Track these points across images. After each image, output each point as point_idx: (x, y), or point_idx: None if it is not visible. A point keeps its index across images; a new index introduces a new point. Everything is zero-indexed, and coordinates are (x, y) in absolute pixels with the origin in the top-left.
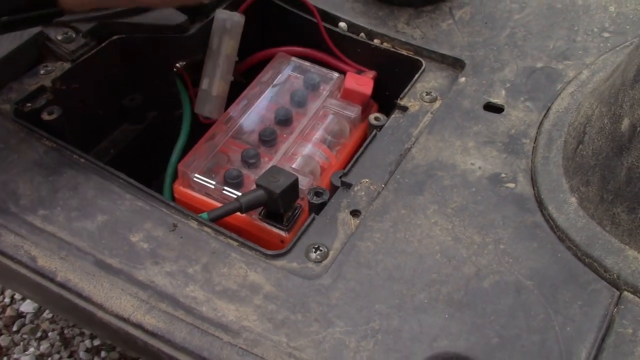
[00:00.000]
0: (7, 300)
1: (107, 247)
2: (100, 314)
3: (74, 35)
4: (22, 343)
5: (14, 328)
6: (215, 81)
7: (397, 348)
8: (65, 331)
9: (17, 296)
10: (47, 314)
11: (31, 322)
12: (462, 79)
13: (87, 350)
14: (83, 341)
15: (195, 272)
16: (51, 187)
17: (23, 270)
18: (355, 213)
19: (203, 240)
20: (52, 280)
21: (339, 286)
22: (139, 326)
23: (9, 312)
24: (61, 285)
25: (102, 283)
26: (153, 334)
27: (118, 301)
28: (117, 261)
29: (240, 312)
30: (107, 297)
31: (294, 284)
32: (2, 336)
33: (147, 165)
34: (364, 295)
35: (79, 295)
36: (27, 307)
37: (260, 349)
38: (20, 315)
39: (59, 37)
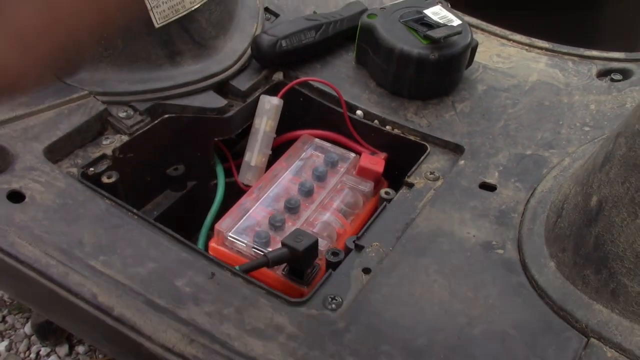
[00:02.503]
0: (32, 355)
1: (156, 289)
2: (147, 344)
3: (132, 113)
4: None
5: None
6: (255, 154)
7: None
8: None
9: (43, 352)
10: None
11: None
12: (462, 162)
13: None
14: None
15: (229, 313)
16: (110, 238)
17: (85, 306)
18: (366, 270)
19: (236, 287)
20: (109, 314)
21: (352, 329)
22: (181, 356)
23: None
24: (116, 319)
25: (150, 318)
26: None
27: (164, 334)
28: (164, 301)
29: (267, 347)
30: (154, 330)
31: (312, 326)
32: None
33: (183, 226)
34: (372, 337)
35: (131, 328)
36: None
37: None
38: None
39: (120, 114)
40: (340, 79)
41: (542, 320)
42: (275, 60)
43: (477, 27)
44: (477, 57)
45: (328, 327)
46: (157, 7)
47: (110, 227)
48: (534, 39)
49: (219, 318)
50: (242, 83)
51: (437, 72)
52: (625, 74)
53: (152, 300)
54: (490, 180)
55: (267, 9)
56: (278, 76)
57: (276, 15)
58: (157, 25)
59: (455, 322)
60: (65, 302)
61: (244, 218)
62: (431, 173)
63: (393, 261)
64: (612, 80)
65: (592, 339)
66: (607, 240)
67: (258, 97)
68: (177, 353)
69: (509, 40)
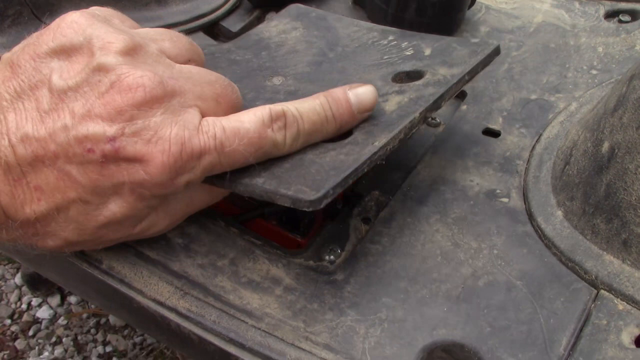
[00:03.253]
0: (24, 306)
1: (146, 241)
2: (139, 298)
3: None
4: (37, 347)
5: (30, 333)
6: None
7: (401, 335)
8: (79, 337)
9: (34, 302)
10: (61, 321)
11: (46, 327)
12: (464, 107)
13: (100, 356)
14: (95, 347)
15: (224, 265)
16: None
17: (72, 259)
18: (365, 220)
19: (231, 238)
20: (97, 267)
21: (351, 281)
22: (173, 309)
23: (25, 317)
24: (105, 272)
25: (141, 271)
26: (186, 317)
27: (155, 287)
28: (155, 253)
29: (263, 300)
30: (145, 284)
31: (310, 278)
32: (19, 340)
33: None
34: (372, 289)
35: (121, 282)
36: (43, 313)
37: (281, 332)
38: (36, 321)
39: None
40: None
41: (550, 271)
42: (268, 1)
43: None
44: None
45: (326, 278)
46: None
47: None
48: None
49: (213, 270)
50: (233, 24)
51: (438, 13)
52: (634, 15)
53: (142, 252)
54: (493, 126)
55: None
56: (270, 17)
57: None
58: None
59: (459, 272)
60: (52, 256)
61: None
62: (432, 119)
63: (393, 210)
64: (620, 21)
65: (602, 291)
66: (619, 188)
67: None
68: (169, 307)
69: None
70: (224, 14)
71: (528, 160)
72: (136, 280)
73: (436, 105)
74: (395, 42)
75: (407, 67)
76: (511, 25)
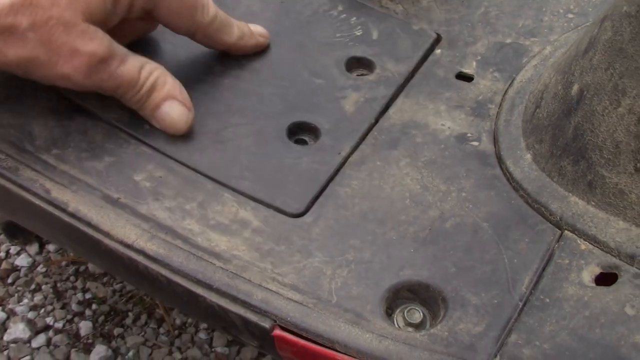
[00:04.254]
0: (2, 254)
1: (113, 184)
2: (106, 241)
3: None
4: (16, 295)
5: (9, 280)
6: None
7: (368, 276)
8: (58, 285)
9: (13, 250)
10: (41, 269)
11: (25, 275)
12: (438, 51)
13: (79, 303)
14: (75, 294)
15: (192, 208)
16: (63, 131)
17: (38, 202)
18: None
19: (199, 182)
20: (64, 210)
21: (319, 224)
22: (141, 252)
23: (4, 265)
24: (72, 215)
25: (108, 214)
26: (154, 259)
27: (123, 230)
28: (122, 196)
29: (231, 243)
30: (113, 226)
31: (279, 220)
32: None
33: None
34: (340, 231)
35: (88, 224)
36: (22, 261)
37: (248, 274)
38: (15, 268)
39: None
40: None
41: (516, 213)
42: None
43: None
44: None
45: (295, 221)
46: None
47: (62, 119)
48: None
49: (181, 213)
50: None
51: None
52: None
53: (109, 195)
54: (467, 70)
55: None
56: None
57: None
58: None
59: (427, 215)
60: (17, 198)
61: None
62: None
63: (363, 154)
64: None
65: (565, 232)
66: (586, 130)
67: None
68: (137, 249)
69: None
70: None
71: (500, 104)
72: (103, 223)
73: (387, 105)
74: (344, 14)
75: (359, 51)
76: None
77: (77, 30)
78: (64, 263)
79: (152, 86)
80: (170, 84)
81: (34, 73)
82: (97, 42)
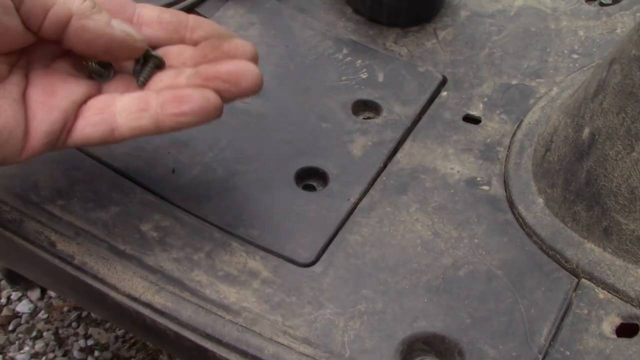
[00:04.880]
0: (3, 300)
1: (119, 235)
2: (113, 294)
3: None
4: (17, 342)
5: (10, 327)
6: None
7: (381, 328)
8: (60, 331)
9: (14, 296)
10: (42, 315)
11: (27, 322)
12: (445, 93)
13: (81, 350)
14: (77, 341)
15: (200, 258)
16: (69, 180)
17: (43, 254)
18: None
19: (207, 231)
20: (70, 263)
21: (330, 273)
22: (148, 305)
23: (5, 312)
24: (78, 268)
25: (115, 267)
26: (161, 313)
27: (130, 283)
28: (129, 247)
29: (241, 294)
30: (119, 279)
31: (289, 270)
32: None
33: None
34: (352, 281)
35: (94, 277)
36: (23, 307)
37: (259, 327)
38: (16, 315)
39: None
40: (314, 4)
41: (531, 260)
42: None
43: None
44: None
45: (305, 271)
46: None
47: (68, 169)
48: None
49: (189, 264)
50: (209, 10)
51: None
52: None
53: (115, 246)
54: (474, 113)
55: None
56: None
57: None
58: None
59: (439, 262)
60: (22, 250)
61: None
62: None
63: (373, 200)
64: (602, 4)
65: (583, 280)
66: (600, 175)
67: None
68: (144, 302)
69: None
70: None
71: (509, 147)
72: (110, 276)
73: (395, 149)
74: (349, 57)
75: (365, 94)
76: (492, 9)
77: None
78: (65, 309)
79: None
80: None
81: None
82: None
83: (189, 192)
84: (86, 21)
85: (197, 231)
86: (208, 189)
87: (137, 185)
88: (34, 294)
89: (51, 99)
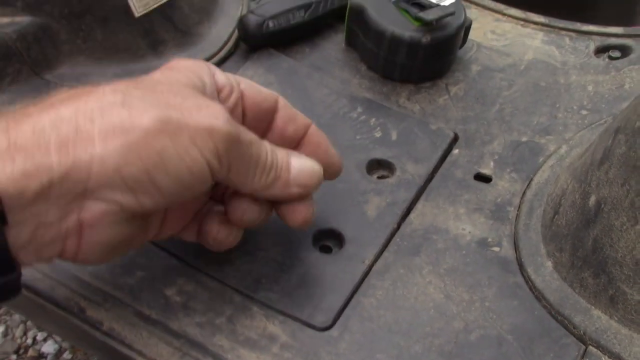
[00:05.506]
0: (29, 341)
1: (145, 300)
2: (139, 359)
3: None
4: None
5: None
6: None
7: None
8: None
9: (39, 337)
10: (67, 355)
11: None
12: (456, 151)
13: None
14: None
15: (221, 323)
16: None
17: (74, 320)
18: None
19: (228, 295)
20: (98, 329)
21: (345, 337)
22: None
23: (31, 352)
24: (106, 334)
25: (141, 332)
26: None
27: (155, 348)
28: (154, 312)
29: (260, 359)
30: (145, 344)
31: (306, 335)
32: None
33: None
34: (367, 345)
35: (122, 343)
36: (49, 348)
37: None
38: (42, 356)
39: None
40: (329, 62)
41: (540, 325)
42: (263, 41)
43: (470, 1)
44: (471, 34)
45: (322, 335)
46: None
47: None
48: (529, 13)
49: (211, 329)
50: (230, 70)
51: (430, 56)
52: (624, 51)
53: (141, 311)
54: (485, 171)
55: None
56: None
57: None
58: (137, 15)
59: (451, 326)
60: (54, 315)
61: None
62: None
63: (387, 262)
64: (611, 58)
65: (590, 347)
66: (605, 244)
67: None
68: None
69: (504, 14)
70: (220, 60)
71: (519, 207)
72: (136, 342)
73: (409, 209)
74: (364, 116)
75: (379, 153)
76: (502, 63)
77: (192, 95)
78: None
79: (272, 147)
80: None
81: (178, 142)
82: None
83: (211, 256)
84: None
85: (218, 295)
86: (229, 252)
87: (161, 249)
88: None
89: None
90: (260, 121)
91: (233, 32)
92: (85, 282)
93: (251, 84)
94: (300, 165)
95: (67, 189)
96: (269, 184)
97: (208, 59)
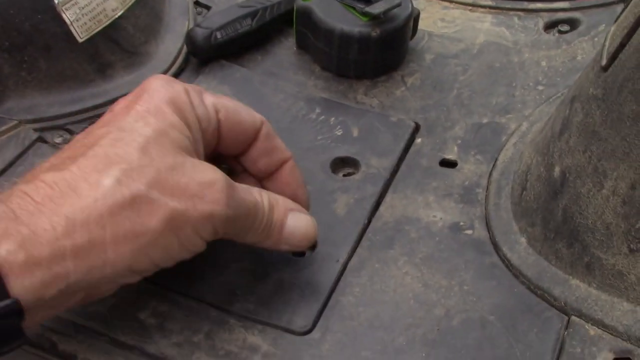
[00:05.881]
0: None
1: (119, 326)
2: None
3: (68, 137)
4: None
5: None
6: None
7: None
8: None
9: None
10: None
11: None
12: (419, 140)
13: None
14: None
15: (200, 340)
16: None
17: (47, 356)
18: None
19: (203, 311)
20: None
21: (328, 339)
22: None
23: None
24: None
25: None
26: None
27: None
28: (129, 338)
29: None
30: None
31: (287, 341)
32: None
33: None
34: (350, 344)
35: None
36: None
37: None
38: None
39: (56, 140)
40: (282, 67)
41: (520, 302)
42: (212, 53)
43: None
44: (421, 24)
45: (303, 339)
46: (77, 20)
47: None
48: None
49: (189, 347)
50: None
51: (382, 49)
52: (572, 24)
53: (116, 338)
54: (449, 156)
55: (197, 3)
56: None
57: (208, 8)
58: (80, 40)
59: (433, 314)
60: (24, 353)
61: None
62: None
63: (361, 258)
64: (560, 32)
65: (572, 317)
66: (575, 213)
67: None
68: None
69: (451, 2)
70: (172, 77)
71: (487, 188)
72: None
73: (377, 203)
74: (323, 116)
75: (342, 152)
76: (455, 49)
77: (188, 166)
78: None
79: (269, 204)
80: (280, 198)
81: (181, 232)
82: (211, 168)
83: (183, 274)
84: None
85: (194, 312)
86: (200, 267)
87: None
88: None
89: None
90: (239, 146)
91: (182, 47)
92: (55, 315)
93: (234, 110)
94: (293, 226)
95: (80, 288)
96: (260, 241)
97: None
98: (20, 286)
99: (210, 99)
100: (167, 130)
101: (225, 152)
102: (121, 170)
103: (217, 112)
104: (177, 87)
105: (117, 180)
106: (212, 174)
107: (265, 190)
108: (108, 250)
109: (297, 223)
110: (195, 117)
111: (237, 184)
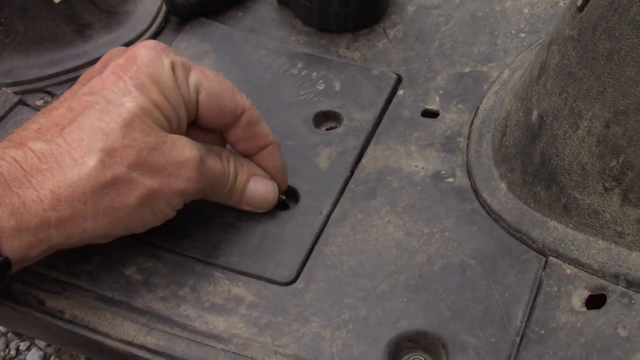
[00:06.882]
0: (12, 352)
1: (105, 282)
2: (107, 341)
3: (49, 99)
4: None
5: None
6: None
7: (366, 333)
8: None
9: (22, 346)
10: None
11: None
12: (401, 92)
13: None
14: None
15: (185, 293)
16: None
17: (35, 313)
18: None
19: (189, 265)
20: (61, 318)
21: (311, 288)
22: (142, 347)
23: None
24: (70, 322)
25: (105, 314)
26: (155, 352)
27: (121, 328)
28: (116, 294)
29: (229, 322)
30: (111, 326)
31: (271, 291)
32: None
33: None
34: (333, 292)
35: (86, 328)
36: (33, 356)
37: (250, 351)
38: None
39: (37, 102)
40: (264, 23)
41: (500, 245)
42: (193, 11)
43: None
44: None
45: (287, 289)
46: None
47: None
48: None
49: (175, 300)
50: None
51: (363, 1)
52: None
53: (103, 295)
54: (431, 107)
55: None
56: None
57: None
58: (56, 0)
59: (414, 261)
60: (13, 312)
61: None
62: None
63: (344, 209)
64: None
65: (550, 258)
66: (552, 155)
67: None
68: (137, 345)
69: None
70: (152, 36)
71: (468, 136)
72: (101, 324)
73: (360, 155)
74: (305, 71)
75: (324, 106)
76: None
77: (168, 145)
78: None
79: (235, 171)
80: (245, 163)
81: (155, 205)
82: (188, 145)
83: (167, 230)
84: None
85: (179, 267)
86: (184, 223)
87: None
88: (42, 342)
89: None
90: (217, 126)
91: (161, 6)
92: (41, 274)
93: (216, 94)
94: (254, 190)
95: (58, 248)
96: (223, 200)
97: (139, 37)
98: (9, 247)
99: (194, 78)
100: (150, 109)
101: (205, 127)
102: (104, 151)
103: (197, 93)
104: (165, 62)
105: (101, 162)
106: (188, 151)
107: (233, 154)
108: (88, 222)
109: (258, 187)
110: (180, 96)
111: (207, 154)
